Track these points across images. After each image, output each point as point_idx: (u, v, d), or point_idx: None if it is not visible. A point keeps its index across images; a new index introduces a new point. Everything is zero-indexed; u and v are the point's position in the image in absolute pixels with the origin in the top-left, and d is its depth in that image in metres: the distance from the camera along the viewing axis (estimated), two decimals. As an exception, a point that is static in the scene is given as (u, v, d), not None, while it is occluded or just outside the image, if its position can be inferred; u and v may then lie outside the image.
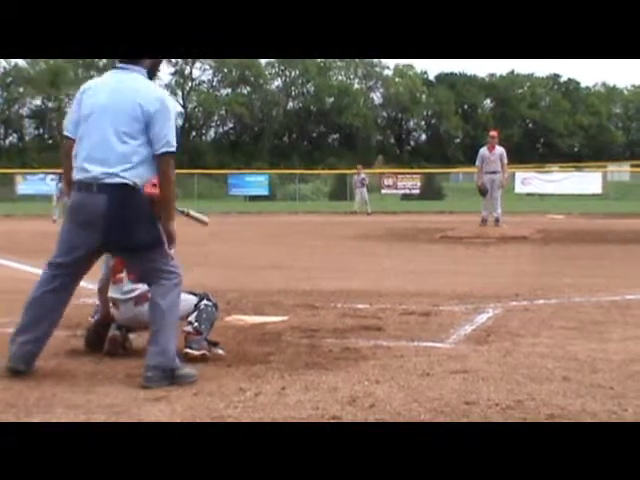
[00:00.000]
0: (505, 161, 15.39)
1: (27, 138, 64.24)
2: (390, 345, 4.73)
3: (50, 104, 62.57)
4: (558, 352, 4.53)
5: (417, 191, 39.51)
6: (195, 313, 4.41)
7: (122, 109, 3.87)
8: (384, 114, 76.63)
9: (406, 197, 39.63)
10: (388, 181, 39.85)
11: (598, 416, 3.31)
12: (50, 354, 4.52)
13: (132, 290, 4.36)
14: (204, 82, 70.70)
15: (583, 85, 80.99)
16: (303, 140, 73.11)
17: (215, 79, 70.77)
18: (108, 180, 3.83)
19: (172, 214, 4.00)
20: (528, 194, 37.02)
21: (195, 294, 4.54)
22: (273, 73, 72.54)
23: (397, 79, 74.61)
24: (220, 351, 4.42)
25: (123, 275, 4.39)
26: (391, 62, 74.31)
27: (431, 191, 41.03)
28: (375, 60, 74.37)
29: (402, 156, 71.26)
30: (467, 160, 51.25)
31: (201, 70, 69.81)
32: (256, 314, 5.87)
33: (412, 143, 79.65)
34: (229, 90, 70.23)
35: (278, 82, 72.85)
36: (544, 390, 3.70)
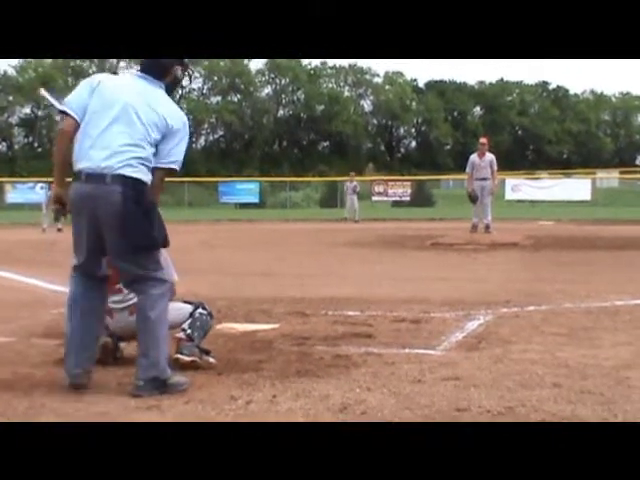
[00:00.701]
0: (495, 168, 15.44)
1: (16, 146, 64.07)
2: (381, 352, 4.73)
3: (39, 112, 62.45)
4: (549, 358, 4.54)
5: (407, 198, 39.62)
6: (189, 320, 4.41)
7: (147, 113, 3.81)
8: (374, 121, 76.88)
9: (397, 204, 39.72)
10: (379, 188, 39.95)
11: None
12: (39, 363, 4.50)
13: (128, 299, 4.35)
14: (194, 90, 70.73)
15: (572, 92, 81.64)
16: (293, 148, 73.21)
17: (205, 87, 70.83)
18: (122, 171, 3.71)
19: None
20: (518, 201, 37.17)
21: (190, 303, 4.54)
22: (263, 81, 72.69)
23: (387, 86, 74.89)
24: (211, 359, 4.41)
25: (120, 285, 4.37)
26: (381, 69, 74.72)
27: (421, 198, 41.15)
28: (365, 67, 74.79)
29: (392, 163, 71.50)
30: (457, 167, 51.47)
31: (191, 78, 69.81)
32: (247, 322, 5.86)
33: (402, 150, 79.91)
34: (219, 98, 70.29)
35: (268, 90, 73.04)
36: (535, 396, 3.71)
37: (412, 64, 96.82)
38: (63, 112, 3.87)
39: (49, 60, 57.49)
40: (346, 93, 75.03)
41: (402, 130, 79.39)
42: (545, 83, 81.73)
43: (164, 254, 4.50)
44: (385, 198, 39.96)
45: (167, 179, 4.09)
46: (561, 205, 34.89)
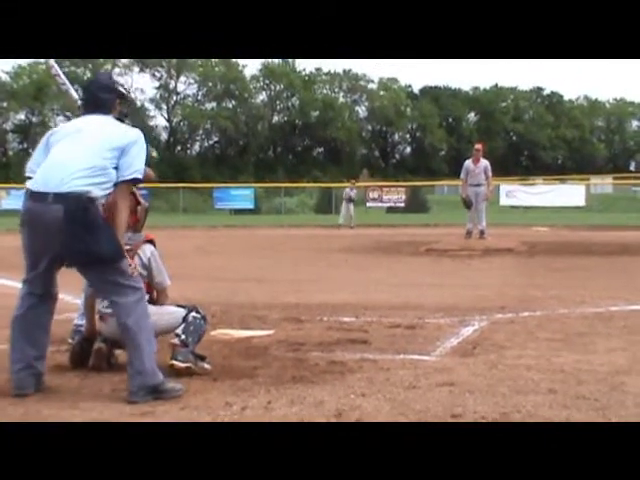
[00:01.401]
0: (490, 174, 15.46)
1: (11, 153, 63.90)
2: (376, 358, 4.73)
3: (34, 118, 62.33)
4: (543, 364, 4.55)
5: (402, 204, 39.68)
6: (183, 325, 4.40)
7: (96, 135, 3.95)
8: (369, 127, 76.94)
9: (391, 210, 39.76)
10: (373, 194, 40.02)
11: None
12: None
13: None
14: (189, 96, 70.73)
15: (566, 98, 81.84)
16: (288, 154, 73.22)
17: (200, 93, 70.79)
18: (64, 189, 3.76)
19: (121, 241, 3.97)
20: (513, 206, 37.23)
21: (183, 307, 4.54)
22: (258, 87, 72.70)
23: (381, 92, 74.99)
24: (206, 365, 4.41)
25: None
26: (375, 75, 74.75)
27: (416, 204, 41.18)
28: (360, 73, 74.92)
29: (387, 169, 71.56)
30: (452, 173, 51.50)
31: (186, 84, 69.83)
32: (242, 328, 5.86)
33: (397, 156, 79.99)
34: (214, 104, 70.26)
35: (263, 96, 73.04)
36: (530, 402, 3.71)
37: (407, 70, 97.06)
38: (29, 177, 3.99)
39: (43, 66, 57.43)
40: (341, 99, 75.11)
41: (397, 136, 79.48)
42: (539, 89, 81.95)
43: (157, 260, 4.50)
44: (380, 204, 40.01)
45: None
46: (555, 211, 34.97)
